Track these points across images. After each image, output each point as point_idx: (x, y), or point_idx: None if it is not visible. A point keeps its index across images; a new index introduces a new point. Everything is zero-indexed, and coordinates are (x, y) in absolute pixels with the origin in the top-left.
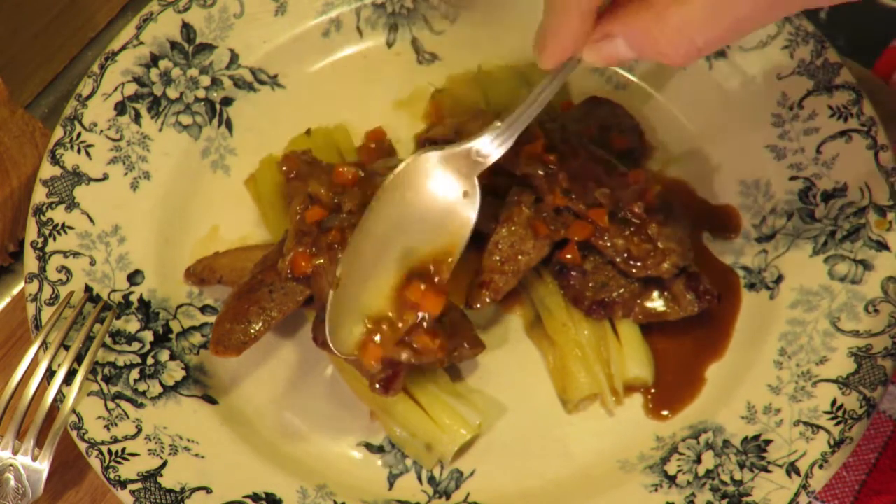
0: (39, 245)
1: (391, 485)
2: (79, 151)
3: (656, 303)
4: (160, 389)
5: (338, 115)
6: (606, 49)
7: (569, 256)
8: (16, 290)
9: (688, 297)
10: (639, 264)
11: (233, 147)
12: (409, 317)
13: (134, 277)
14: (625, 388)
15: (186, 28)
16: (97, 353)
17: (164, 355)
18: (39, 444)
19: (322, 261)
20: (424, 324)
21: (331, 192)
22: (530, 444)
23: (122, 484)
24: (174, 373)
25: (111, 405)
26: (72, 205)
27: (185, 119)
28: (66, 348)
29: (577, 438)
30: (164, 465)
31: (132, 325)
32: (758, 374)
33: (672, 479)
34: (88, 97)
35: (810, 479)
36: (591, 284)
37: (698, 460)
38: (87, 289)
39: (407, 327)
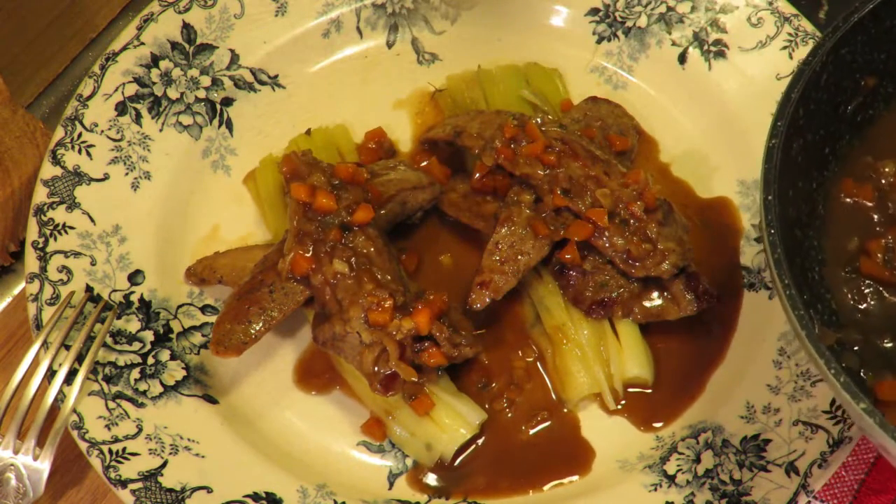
0: (40, 245)
1: (391, 484)
2: (80, 152)
3: (656, 303)
4: (161, 389)
5: (338, 115)
6: None
7: (568, 256)
8: (17, 290)
9: (687, 297)
10: (638, 264)
11: (233, 147)
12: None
13: (134, 277)
14: (624, 387)
15: (187, 28)
16: (98, 352)
17: (165, 355)
18: (40, 443)
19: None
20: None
21: (332, 188)
22: None
23: (123, 483)
24: (175, 372)
25: (112, 405)
26: (72, 205)
27: (186, 119)
28: (67, 348)
29: None
30: (164, 464)
31: (133, 324)
32: (757, 373)
33: (671, 479)
34: (89, 97)
35: (809, 478)
36: (590, 284)
37: (698, 460)
38: (88, 289)
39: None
